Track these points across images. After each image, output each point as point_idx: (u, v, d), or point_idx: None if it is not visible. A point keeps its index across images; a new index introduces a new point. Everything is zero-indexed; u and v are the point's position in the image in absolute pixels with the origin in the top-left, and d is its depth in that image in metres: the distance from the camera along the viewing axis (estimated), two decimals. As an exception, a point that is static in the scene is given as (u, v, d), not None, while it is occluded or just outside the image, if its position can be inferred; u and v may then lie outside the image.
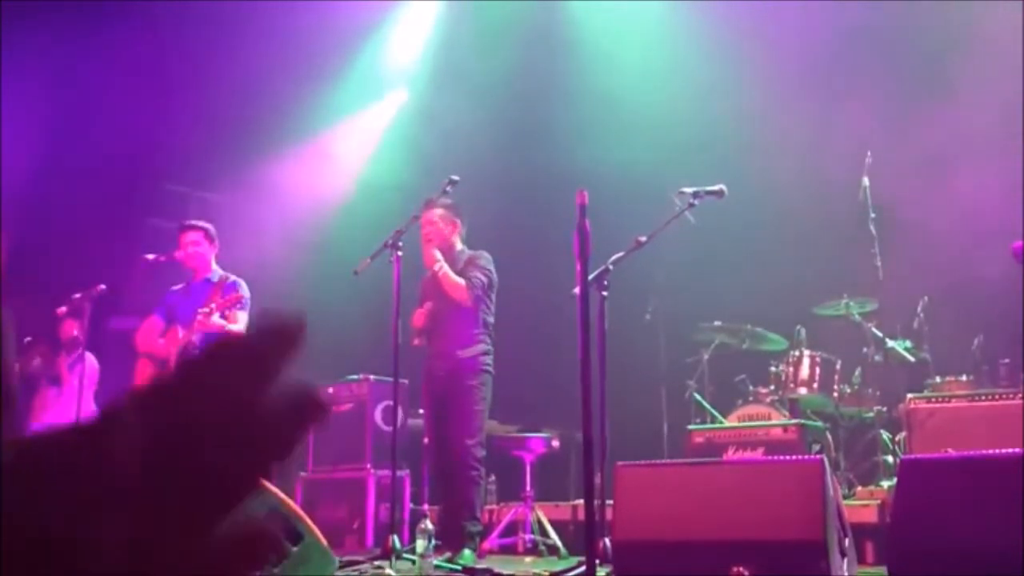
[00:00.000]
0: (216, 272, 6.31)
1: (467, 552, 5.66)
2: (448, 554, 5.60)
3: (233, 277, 6.26)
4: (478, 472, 5.86)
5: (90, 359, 8.11)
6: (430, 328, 6.04)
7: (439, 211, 6.09)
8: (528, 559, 6.66)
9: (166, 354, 5.98)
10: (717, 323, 7.81)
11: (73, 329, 8.03)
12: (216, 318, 5.94)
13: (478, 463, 5.85)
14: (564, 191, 4.25)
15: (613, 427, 4.62)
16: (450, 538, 5.77)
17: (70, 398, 7.89)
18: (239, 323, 6.13)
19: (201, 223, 6.43)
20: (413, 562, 5.20)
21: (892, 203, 6.92)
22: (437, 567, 5.21)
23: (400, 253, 5.62)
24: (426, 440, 7.29)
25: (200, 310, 5.91)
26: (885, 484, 6.33)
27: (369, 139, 10.25)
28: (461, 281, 5.93)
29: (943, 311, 7.14)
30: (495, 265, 6.17)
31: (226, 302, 5.95)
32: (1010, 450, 3.39)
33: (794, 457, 5.73)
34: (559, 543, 6.80)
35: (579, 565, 4.89)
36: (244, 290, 6.12)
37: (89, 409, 8.26)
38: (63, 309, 7.12)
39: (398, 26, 10.08)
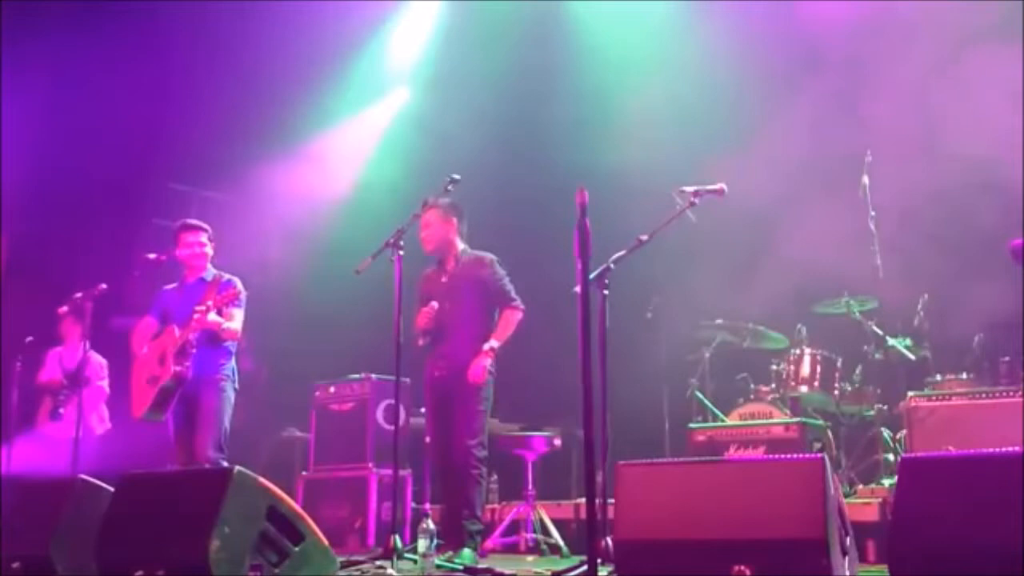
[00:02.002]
0: (211, 271, 6.31)
1: (467, 551, 5.65)
2: (449, 553, 5.60)
3: (228, 276, 6.25)
4: (479, 471, 5.85)
5: (95, 357, 8.12)
6: (434, 329, 6.01)
7: (437, 212, 6.07)
8: (530, 558, 6.67)
9: (162, 353, 5.97)
10: (718, 321, 7.82)
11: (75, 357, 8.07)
12: (212, 316, 5.93)
13: (479, 463, 5.85)
14: (564, 190, 4.25)
15: (614, 425, 4.62)
16: (451, 537, 5.77)
17: (70, 413, 7.91)
18: (235, 320, 6.12)
19: (202, 224, 6.43)
20: (415, 562, 5.21)
21: (892, 201, 6.93)
22: (438, 567, 5.21)
23: (401, 252, 5.62)
24: (428, 439, 7.29)
25: (196, 308, 5.91)
26: (886, 482, 6.34)
27: (370, 139, 10.26)
28: (511, 318, 5.97)
29: (943, 309, 7.14)
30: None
31: (222, 299, 5.94)
32: (1011, 448, 3.39)
33: (795, 455, 5.73)
34: (561, 542, 6.81)
35: (581, 564, 4.90)
36: (240, 287, 6.12)
37: (95, 419, 8.27)
38: (64, 308, 7.12)
39: (399, 26, 10.08)
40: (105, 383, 8.34)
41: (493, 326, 6.02)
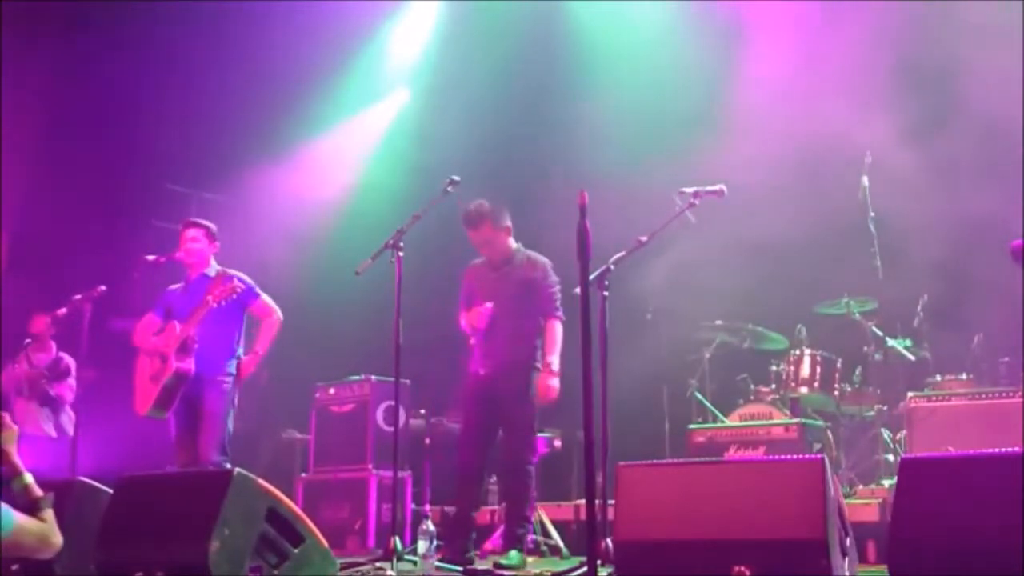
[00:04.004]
0: (214, 267, 6.29)
1: (514, 553, 5.62)
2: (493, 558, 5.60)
3: (232, 271, 6.23)
4: (531, 475, 5.81)
5: (66, 357, 8.15)
6: (488, 328, 5.84)
7: (490, 226, 5.86)
8: (530, 559, 6.66)
9: (164, 350, 5.97)
10: (718, 322, 7.82)
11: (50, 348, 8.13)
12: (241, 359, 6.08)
13: (532, 466, 5.82)
14: (564, 191, 4.25)
15: (615, 427, 4.62)
16: (454, 540, 5.74)
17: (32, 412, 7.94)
18: (268, 309, 6.25)
19: (203, 221, 6.44)
20: (415, 563, 5.21)
21: (891, 202, 6.93)
22: (438, 568, 5.21)
23: (401, 253, 5.61)
24: (428, 441, 7.28)
25: (192, 326, 5.93)
26: (886, 483, 6.35)
27: (370, 139, 10.26)
28: (558, 331, 5.81)
29: (943, 310, 7.14)
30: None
31: (221, 292, 5.90)
32: (1010, 449, 3.39)
33: (795, 456, 5.75)
34: (561, 543, 6.80)
35: (581, 565, 4.90)
36: (245, 280, 6.12)
37: (66, 419, 8.28)
38: (63, 310, 7.12)
39: (399, 27, 10.08)
40: (73, 382, 8.34)
41: (539, 329, 5.86)
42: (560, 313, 5.89)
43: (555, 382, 5.73)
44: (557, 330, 5.84)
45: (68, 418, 8.31)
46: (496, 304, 5.84)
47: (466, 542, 5.71)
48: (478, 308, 5.86)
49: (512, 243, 6.02)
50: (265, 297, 6.25)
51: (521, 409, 5.77)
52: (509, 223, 5.98)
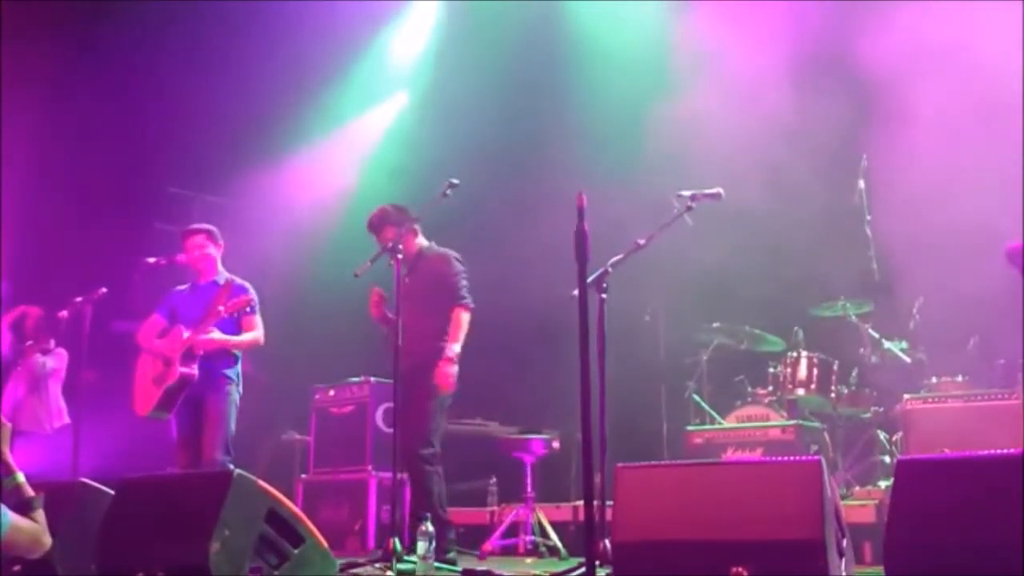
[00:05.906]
0: (222, 274, 6.32)
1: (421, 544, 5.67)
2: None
3: (240, 280, 6.27)
4: (430, 470, 5.85)
5: (60, 352, 8.16)
6: (395, 322, 5.94)
7: (392, 228, 5.93)
8: (529, 560, 6.69)
9: (169, 353, 5.99)
10: (716, 324, 7.83)
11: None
12: (216, 334, 5.97)
13: (429, 463, 5.86)
14: (563, 192, 4.27)
15: (612, 428, 4.64)
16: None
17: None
18: (256, 328, 6.19)
19: (204, 225, 6.46)
20: (414, 564, 5.23)
21: (888, 204, 6.95)
22: (438, 569, 5.23)
23: (400, 256, 5.64)
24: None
25: (201, 334, 5.92)
26: (882, 484, 6.37)
27: (370, 142, 10.27)
28: (461, 318, 5.92)
29: (939, 312, 7.16)
30: (463, 259, 6.20)
31: (234, 304, 5.95)
32: (1006, 450, 3.42)
33: (792, 457, 5.76)
34: (559, 544, 6.82)
35: (579, 566, 4.92)
36: (252, 294, 6.15)
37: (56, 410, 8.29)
38: (64, 312, 7.13)
39: (398, 29, 10.10)
40: (58, 360, 8.34)
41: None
42: (467, 301, 6.01)
43: (451, 369, 5.83)
44: (461, 318, 5.96)
45: (57, 410, 8.30)
46: (409, 303, 5.88)
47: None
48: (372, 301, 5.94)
49: (422, 242, 6.15)
50: (257, 317, 6.23)
51: (419, 398, 5.84)
52: (415, 227, 6.07)
